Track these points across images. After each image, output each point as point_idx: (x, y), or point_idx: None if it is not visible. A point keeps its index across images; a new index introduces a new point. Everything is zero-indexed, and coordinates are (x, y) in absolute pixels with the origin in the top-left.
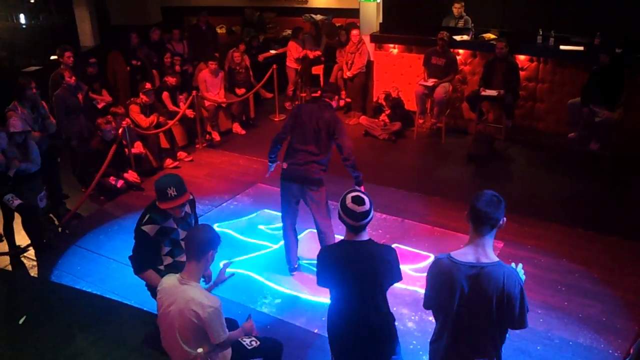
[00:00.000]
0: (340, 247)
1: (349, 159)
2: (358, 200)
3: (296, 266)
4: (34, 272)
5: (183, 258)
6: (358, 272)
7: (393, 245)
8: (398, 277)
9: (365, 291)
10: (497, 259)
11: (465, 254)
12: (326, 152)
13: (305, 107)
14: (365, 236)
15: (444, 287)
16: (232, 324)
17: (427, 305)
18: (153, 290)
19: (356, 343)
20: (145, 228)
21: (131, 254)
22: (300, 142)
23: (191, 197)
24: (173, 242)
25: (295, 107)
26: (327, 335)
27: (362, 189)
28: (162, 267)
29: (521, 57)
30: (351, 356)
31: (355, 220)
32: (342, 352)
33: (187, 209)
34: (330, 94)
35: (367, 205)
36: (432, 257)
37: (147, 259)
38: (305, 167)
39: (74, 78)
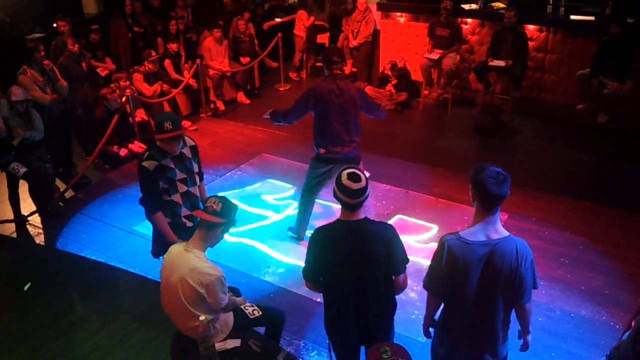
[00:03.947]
0: (336, 227)
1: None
2: (354, 177)
3: (303, 238)
4: (39, 240)
5: (177, 198)
6: (354, 253)
7: (397, 217)
8: (401, 254)
9: (364, 274)
10: (507, 233)
11: (475, 233)
12: (358, 126)
13: (322, 89)
14: (360, 215)
15: (457, 272)
16: (235, 293)
17: (434, 290)
18: (159, 246)
19: (353, 328)
20: (144, 164)
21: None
22: (330, 126)
23: (193, 142)
24: (169, 180)
25: (310, 91)
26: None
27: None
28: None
29: (530, 27)
30: (347, 341)
31: (351, 198)
32: (338, 336)
33: (187, 152)
34: (340, 65)
35: (364, 182)
36: (435, 228)
37: (155, 197)
38: (343, 149)
39: (77, 46)
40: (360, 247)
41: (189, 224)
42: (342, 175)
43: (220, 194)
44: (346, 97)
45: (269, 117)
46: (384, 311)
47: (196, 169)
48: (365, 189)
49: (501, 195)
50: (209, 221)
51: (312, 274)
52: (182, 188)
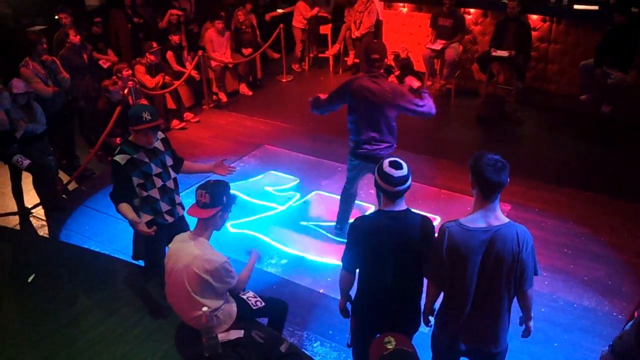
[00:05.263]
0: (377, 217)
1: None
2: (395, 165)
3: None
4: (42, 232)
5: (154, 193)
6: (395, 242)
7: None
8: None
9: (400, 262)
10: (507, 220)
11: (475, 220)
12: (392, 127)
13: (356, 85)
14: (402, 205)
15: (458, 258)
16: None
17: (435, 278)
18: (139, 249)
19: (387, 314)
20: (116, 158)
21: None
22: (363, 122)
23: (163, 135)
24: (145, 175)
25: (344, 85)
26: (350, 305)
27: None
28: (137, 202)
29: (533, 17)
30: (377, 325)
31: (392, 186)
32: (370, 322)
33: (160, 145)
34: (380, 63)
35: (405, 170)
36: (438, 219)
37: (122, 191)
38: (373, 148)
39: (78, 37)
40: (402, 236)
41: (170, 219)
42: (384, 164)
43: (212, 181)
44: (378, 97)
45: (311, 100)
46: (415, 299)
47: (170, 162)
48: (407, 177)
49: (500, 183)
50: (205, 217)
51: (351, 263)
52: (159, 182)
